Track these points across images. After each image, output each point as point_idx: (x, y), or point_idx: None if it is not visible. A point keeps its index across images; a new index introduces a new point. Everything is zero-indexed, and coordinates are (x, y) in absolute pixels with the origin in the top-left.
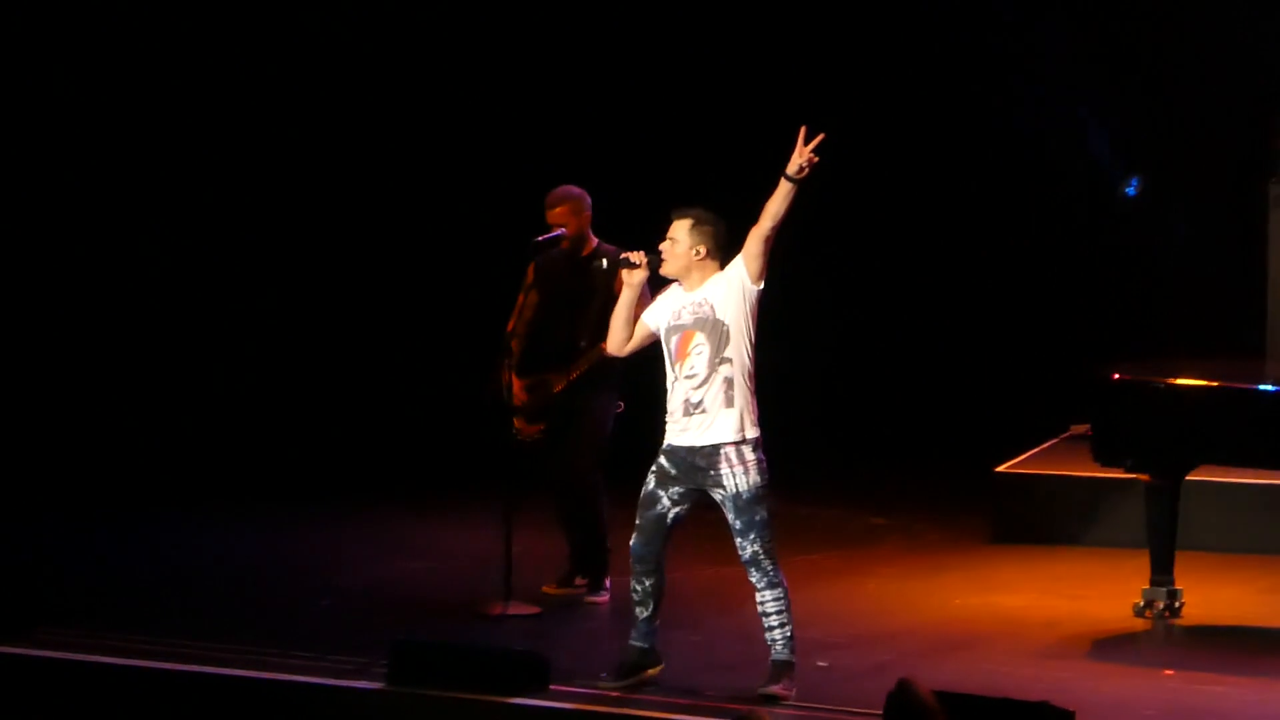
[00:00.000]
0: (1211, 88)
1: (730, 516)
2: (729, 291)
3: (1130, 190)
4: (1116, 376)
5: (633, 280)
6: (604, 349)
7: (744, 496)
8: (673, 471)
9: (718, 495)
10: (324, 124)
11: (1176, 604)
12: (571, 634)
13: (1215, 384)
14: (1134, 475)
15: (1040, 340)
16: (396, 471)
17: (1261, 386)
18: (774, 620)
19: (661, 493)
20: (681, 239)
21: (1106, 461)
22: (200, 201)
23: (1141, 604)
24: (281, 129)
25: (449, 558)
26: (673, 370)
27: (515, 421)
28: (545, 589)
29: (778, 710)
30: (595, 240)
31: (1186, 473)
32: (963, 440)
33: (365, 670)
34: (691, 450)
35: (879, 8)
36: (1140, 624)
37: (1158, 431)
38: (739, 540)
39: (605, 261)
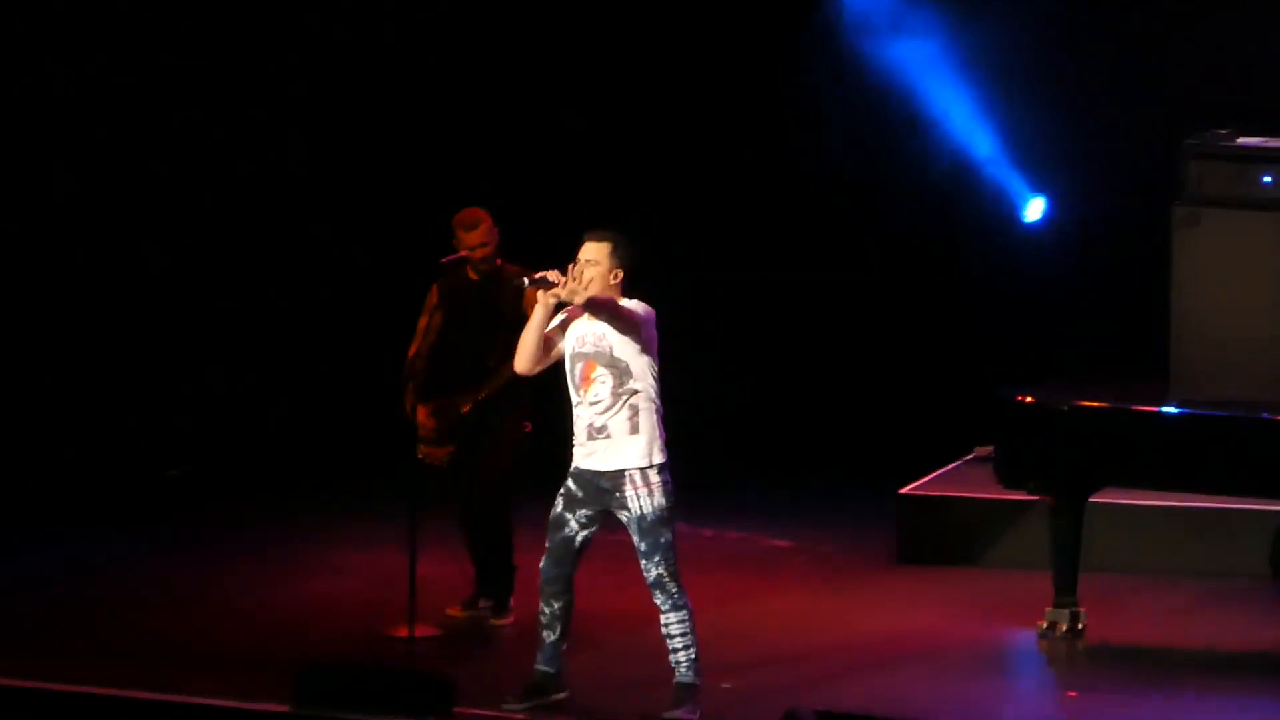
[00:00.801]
0: (1119, 110)
1: (635, 539)
2: (625, 338)
3: (1032, 214)
4: (1020, 398)
5: (548, 300)
6: (512, 369)
7: (649, 519)
8: (580, 494)
9: (623, 517)
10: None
11: (1079, 625)
12: (477, 656)
13: (1118, 406)
14: (1038, 497)
15: (944, 362)
16: (300, 490)
17: (1164, 408)
18: (678, 642)
19: (569, 515)
20: (602, 261)
21: (1010, 483)
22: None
23: (1045, 625)
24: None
25: (354, 578)
26: (576, 394)
27: (421, 447)
28: (450, 611)
29: None
30: (498, 261)
31: (1090, 494)
32: (866, 462)
33: (270, 692)
34: (597, 474)
35: (776, 29)
36: (1044, 645)
37: (1061, 453)
38: (644, 562)
39: (526, 281)
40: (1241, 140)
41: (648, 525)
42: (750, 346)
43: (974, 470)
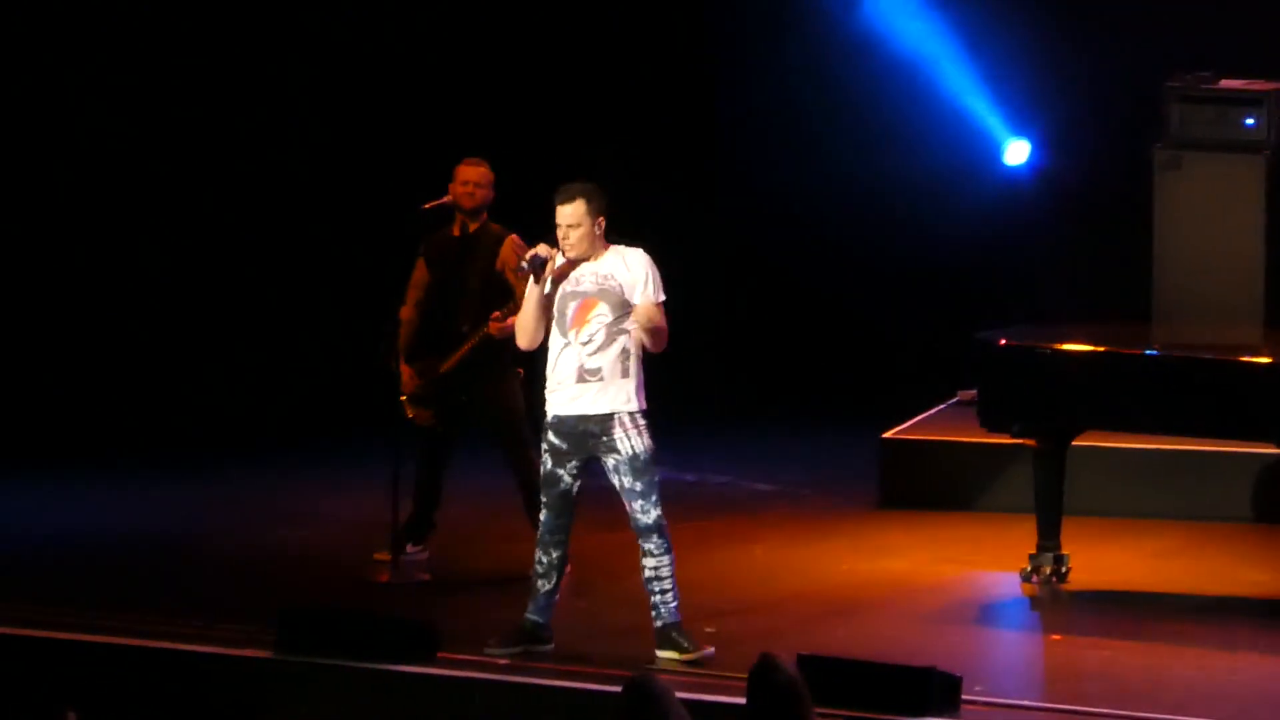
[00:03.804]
0: (1100, 53)
1: (627, 481)
2: (633, 281)
3: (1014, 157)
4: (1003, 342)
5: (545, 274)
6: (488, 330)
7: (641, 459)
8: (564, 446)
9: (611, 461)
10: (209, 95)
11: (1063, 569)
12: (460, 603)
13: (1101, 349)
14: (1021, 441)
15: (927, 306)
16: (282, 438)
17: (1147, 351)
18: (667, 584)
19: (560, 470)
20: (582, 218)
21: (993, 427)
22: (80, 170)
23: (1028, 569)
24: (172, 101)
25: (336, 525)
26: (565, 336)
27: (408, 405)
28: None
29: (665, 676)
30: (484, 218)
31: (1073, 438)
32: (850, 406)
33: (254, 639)
34: (583, 419)
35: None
36: (1027, 589)
37: (1044, 396)
38: (637, 504)
39: (524, 264)
40: (1223, 83)
41: (641, 465)
42: (733, 292)
43: (957, 414)
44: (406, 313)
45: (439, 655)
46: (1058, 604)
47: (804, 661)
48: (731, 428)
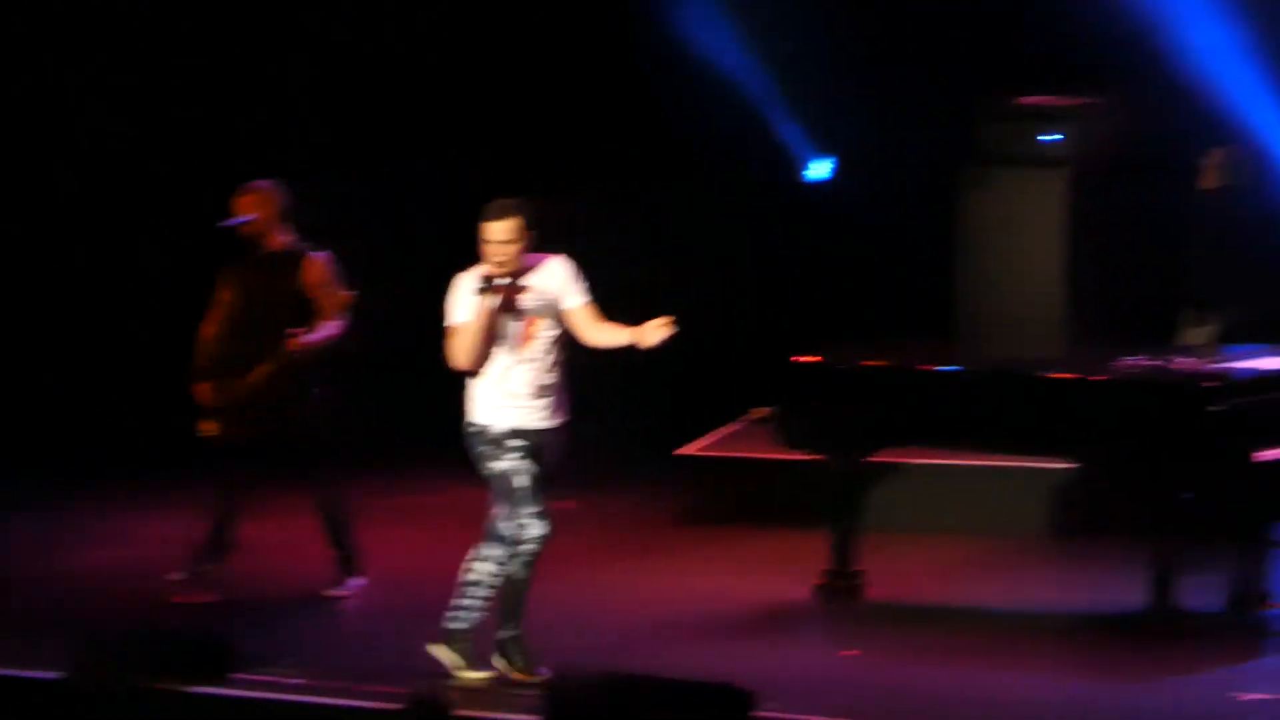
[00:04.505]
0: (904, 69)
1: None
2: (560, 288)
3: (818, 173)
4: (800, 358)
5: (494, 302)
6: (290, 347)
7: (554, 472)
8: (532, 451)
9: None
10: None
11: (858, 584)
12: (255, 622)
13: (897, 365)
14: (817, 457)
15: (723, 322)
16: (83, 460)
17: (944, 367)
18: (486, 583)
19: (537, 472)
20: (516, 236)
21: (791, 443)
22: None
23: (824, 585)
24: None
25: (135, 545)
26: (512, 354)
27: (209, 424)
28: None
29: (455, 694)
30: (287, 238)
31: (868, 454)
32: (647, 423)
33: (46, 659)
34: (544, 432)
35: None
36: (822, 605)
37: (841, 413)
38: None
39: (490, 287)
40: (1026, 99)
41: (551, 477)
42: None
43: (754, 431)
44: (209, 330)
45: (232, 675)
46: (852, 619)
47: (600, 678)
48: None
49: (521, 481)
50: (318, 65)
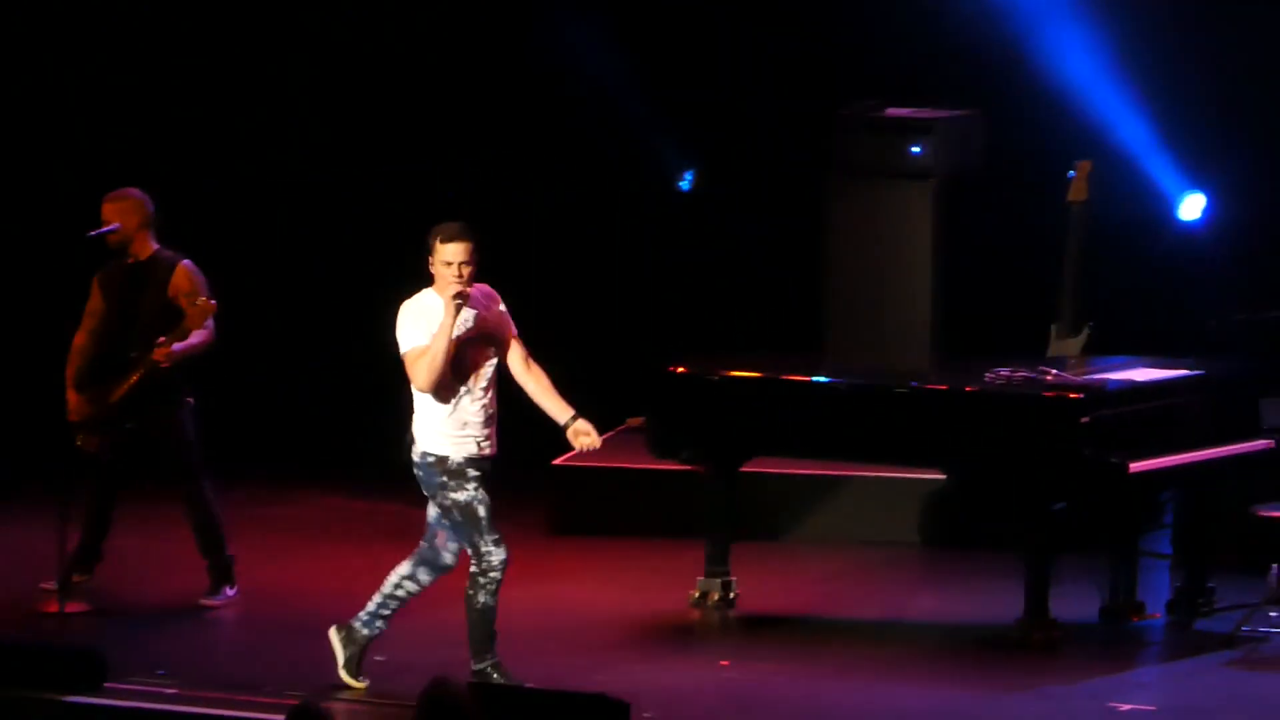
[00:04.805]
0: (770, 80)
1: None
2: (502, 317)
3: (685, 184)
4: (671, 368)
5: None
6: (157, 356)
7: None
8: (480, 475)
9: None
10: None
11: (731, 594)
12: (127, 632)
13: (767, 375)
14: (689, 467)
15: (597, 332)
16: None
17: (814, 378)
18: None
19: (489, 495)
20: (475, 257)
21: (662, 454)
22: None
23: (697, 595)
24: None
25: (3, 555)
26: (464, 384)
27: (77, 436)
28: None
29: (334, 705)
30: (155, 246)
31: (741, 464)
32: (517, 433)
33: None
34: (490, 460)
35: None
36: (696, 615)
37: (712, 423)
38: (460, 548)
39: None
40: (890, 111)
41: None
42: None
43: (626, 441)
44: (80, 339)
45: (106, 685)
46: (726, 629)
47: (475, 689)
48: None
49: (483, 511)
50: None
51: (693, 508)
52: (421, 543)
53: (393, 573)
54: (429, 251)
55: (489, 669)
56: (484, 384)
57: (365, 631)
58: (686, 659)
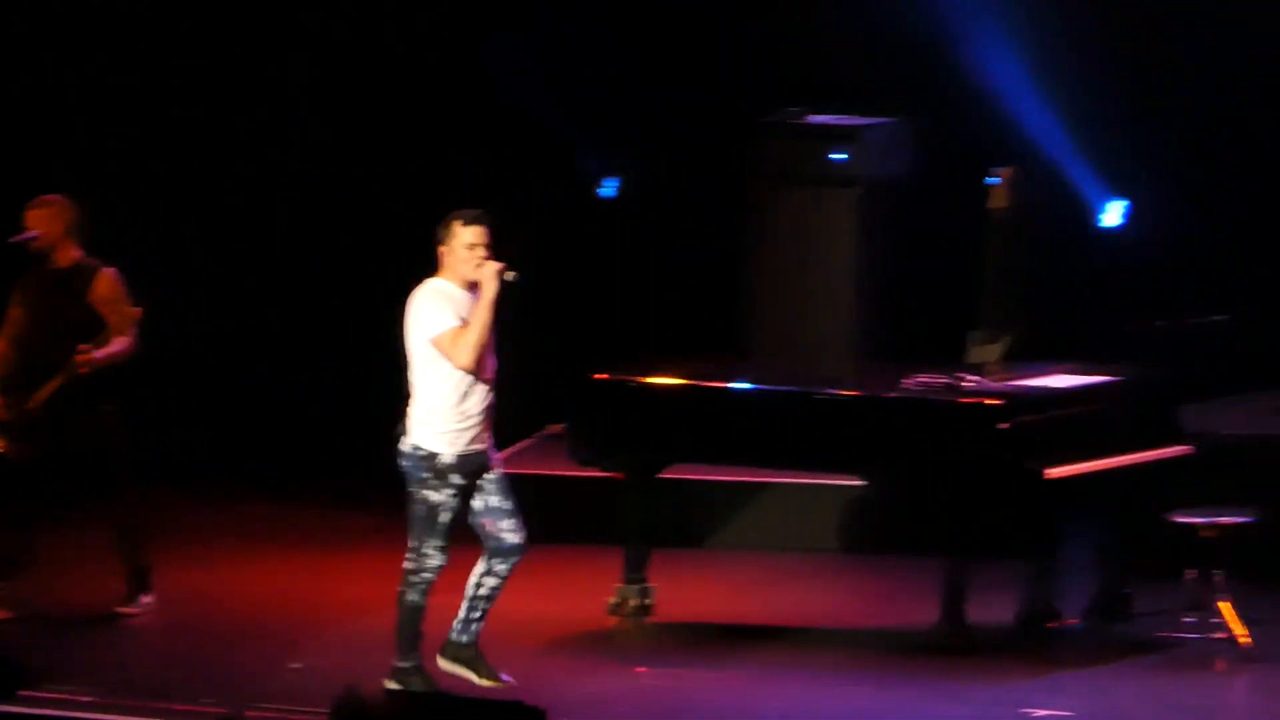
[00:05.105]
0: (693, 87)
1: (496, 500)
2: None
3: (607, 190)
4: (591, 375)
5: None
6: (79, 363)
7: (506, 478)
8: (464, 482)
9: (483, 483)
10: None
11: (649, 602)
12: (46, 639)
13: (687, 382)
14: (609, 474)
15: (518, 339)
16: None
17: (732, 385)
18: (489, 606)
19: (460, 506)
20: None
21: (583, 460)
22: None
23: (615, 602)
24: None
25: None
26: (474, 375)
27: (2, 440)
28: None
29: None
30: (78, 254)
31: (661, 471)
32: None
33: None
34: (483, 453)
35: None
36: (614, 622)
37: (632, 430)
38: (508, 522)
39: (513, 275)
40: (812, 118)
41: (508, 484)
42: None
43: (546, 448)
44: (1, 346)
45: (21, 693)
46: (644, 636)
47: (389, 696)
48: (326, 459)
49: (445, 518)
50: None
51: (613, 515)
52: (486, 546)
53: (471, 574)
54: (442, 239)
55: (411, 669)
56: (489, 375)
57: (464, 639)
58: (604, 666)
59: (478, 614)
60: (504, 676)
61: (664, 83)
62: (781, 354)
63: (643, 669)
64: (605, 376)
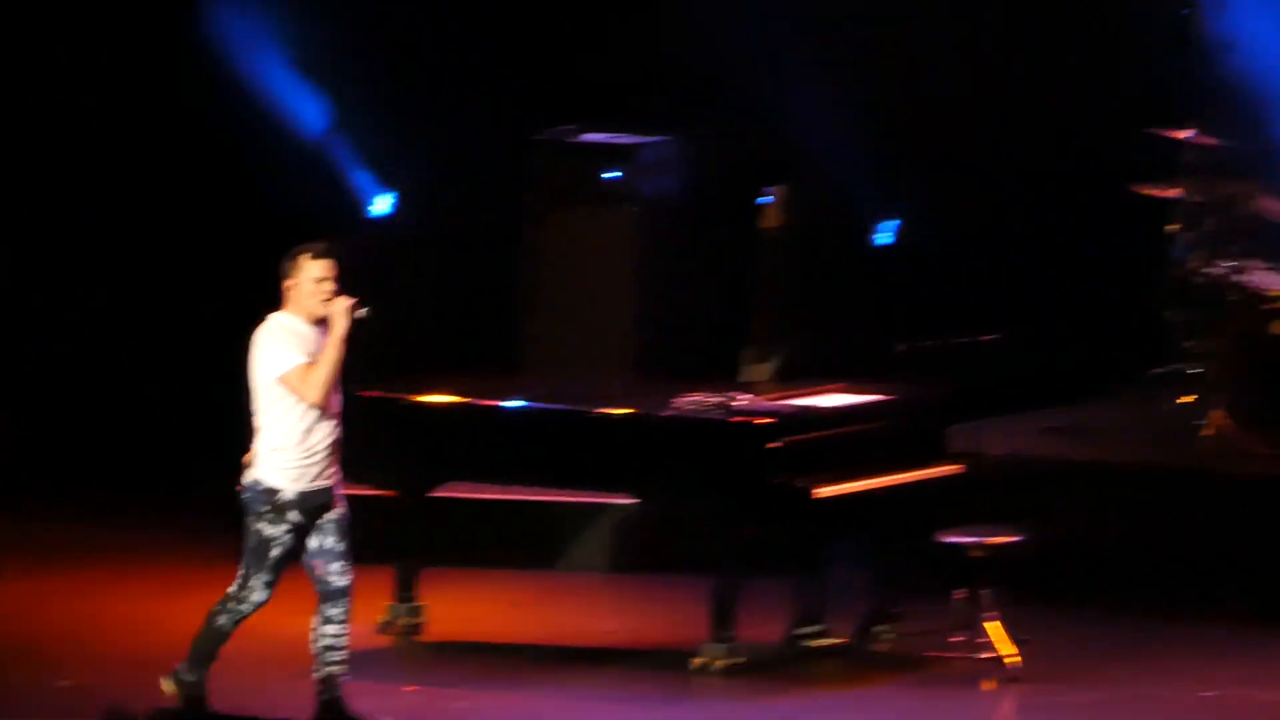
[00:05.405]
0: (466, 105)
1: (331, 542)
2: None
3: (379, 208)
4: (362, 392)
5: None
6: None
7: (347, 519)
8: (304, 520)
9: (330, 520)
10: None
11: (420, 620)
12: None
13: (455, 401)
14: (380, 492)
15: None
16: None
17: (503, 403)
18: (344, 653)
19: (295, 543)
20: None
21: (353, 478)
22: None
23: (386, 620)
24: None
25: None
26: (322, 414)
27: None
28: None
29: None
30: None
31: (432, 489)
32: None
33: None
34: (326, 490)
35: None
36: (383, 641)
37: (402, 448)
38: (337, 565)
39: (364, 311)
40: (586, 136)
41: (347, 525)
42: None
43: None
44: None
45: None
46: (414, 655)
47: (156, 715)
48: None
49: (277, 554)
50: None
51: (383, 532)
52: (316, 589)
53: (311, 630)
54: (287, 273)
55: (192, 682)
56: (335, 409)
57: (340, 690)
58: (373, 685)
59: (332, 667)
60: None
61: (439, 99)
62: (557, 372)
63: (411, 688)
64: (374, 394)
